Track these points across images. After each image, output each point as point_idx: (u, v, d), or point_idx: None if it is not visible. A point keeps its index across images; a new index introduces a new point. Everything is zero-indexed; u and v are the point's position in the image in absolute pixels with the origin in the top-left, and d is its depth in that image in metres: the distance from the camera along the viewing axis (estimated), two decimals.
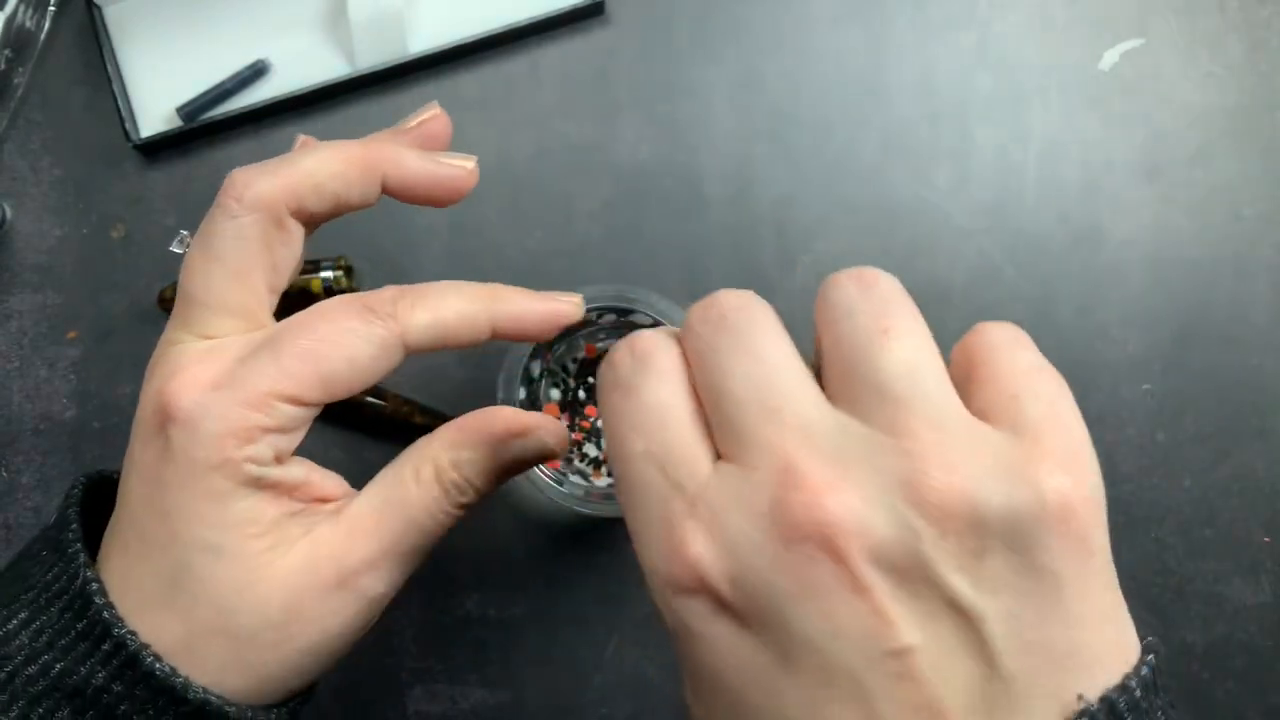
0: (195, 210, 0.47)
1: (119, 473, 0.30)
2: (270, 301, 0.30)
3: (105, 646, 0.26)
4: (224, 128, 0.47)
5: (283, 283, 0.30)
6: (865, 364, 0.23)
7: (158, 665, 0.26)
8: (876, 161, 0.48)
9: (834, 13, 0.48)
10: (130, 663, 0.26)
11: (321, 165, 0.29)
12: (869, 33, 0.48)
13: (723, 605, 0.22)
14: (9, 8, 0.46)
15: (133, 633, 0.26)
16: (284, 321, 0.28)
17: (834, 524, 0.20)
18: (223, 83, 0.47)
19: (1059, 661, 0.20)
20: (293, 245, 0.30)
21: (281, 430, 0.27)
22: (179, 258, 0.47)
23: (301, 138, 0.31)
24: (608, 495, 0.40)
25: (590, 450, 0.43)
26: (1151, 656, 0.21)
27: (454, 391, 0.46)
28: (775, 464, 0.21)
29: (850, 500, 0.21)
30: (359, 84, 0.47)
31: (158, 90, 0.47)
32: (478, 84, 0.48)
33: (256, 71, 0.47)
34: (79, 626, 0.26)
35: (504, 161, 0.47)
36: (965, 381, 0.24)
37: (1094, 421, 0.49)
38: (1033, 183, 0.48)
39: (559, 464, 0.41)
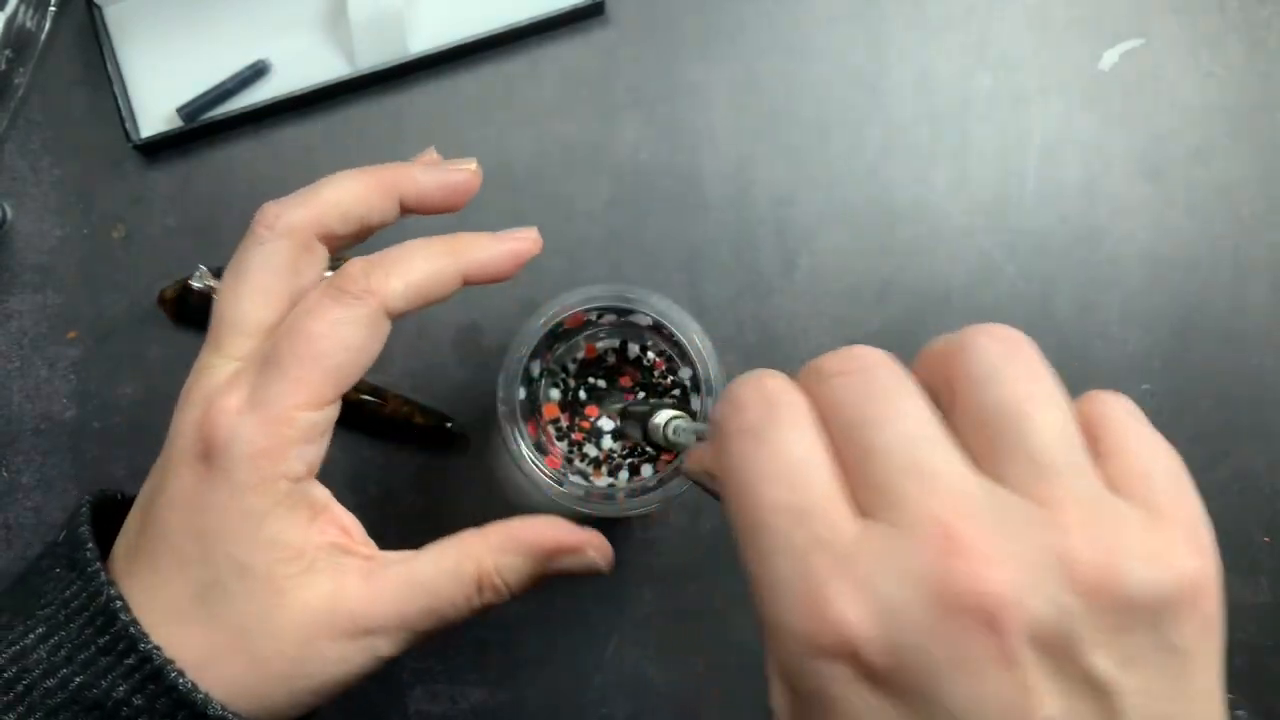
0: (196, 210, 0.47)
1: (122, 493, 0.32)
2: None
3: (129, 660, 0.27)
4: (224, 128, 0.47)
5: None
6: (1014, 432, 0.23)
7: (180, 679, 0.27)
8: (876, 161, 0.48)
9: (833, 13, 0.48)
10: (154, 676, 0.27)
11: (345, 192, 0.31)
12: (868, 33, 0.48)
13: (868, 671, 0.21)
14: (9, 8, 0.46)
15: (158, 647, 0.27)
16: (278, 333, 0.29)
17: (996, 595, 0.20)
18: (223, 83, 0.47)
19: None
20: (318, 268, 0.32)
21: (307, 440, 0.29)
22: (179, 258, 0.47)
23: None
24: (608, 495, 0.40)
25: (590, 450, 0.43)
26: None
27: (454, 391, 0.46)
28: (933, 529, 0.21)
29: (1010, 573, 0.20)
30: (359, 84, 0.47)
31: (158, 90, 0.47)
32: (478, 84, 0.48)
33: (257, 72, 0.47)
34: (100, 641, 0.27)
35: (504, 161, 0.48)
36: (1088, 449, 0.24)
37: None
38: (1032, 182, 0.48)
39: (559, 463, 0.41)
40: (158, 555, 0.29)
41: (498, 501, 0.46)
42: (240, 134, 0.47)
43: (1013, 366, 0.25)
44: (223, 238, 0.47)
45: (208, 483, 0.28)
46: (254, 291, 0.30)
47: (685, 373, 0.42)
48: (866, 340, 0.48)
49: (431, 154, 0.35)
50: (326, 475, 0.30)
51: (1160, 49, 0.48)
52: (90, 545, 0.29)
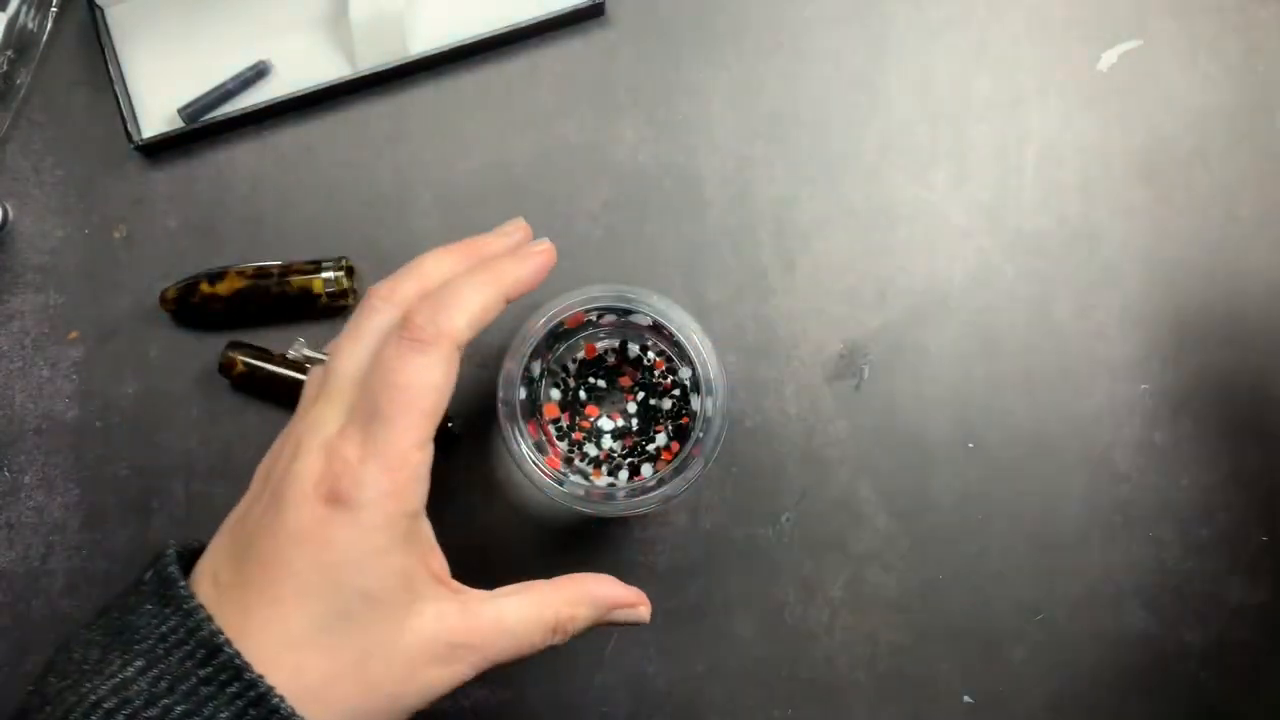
0: (197, 210, 0.47)
1: (200, 542, 0.35)
2: None
3: (231, 689, 0.30)
4: (225, 128, 0.47)
5: None
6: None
7: (282, 704, 0.30)
8: (875, 162, 0.48)
9: (833, 14, 0.48)
10: (256, 702, 0.29)
11: (476, 299, 0.34)
12: (868, 34, 0.48)
13: None
14: (11, 9, 0.47)
15: (261, 675, 0.30)
16: (369, 385, 0.33)
17: None
18: (224, 84, 0.47)
19: None
20: None
21: (421, 479, 0.32)
22: (180, 258, 0.47)
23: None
24: (608, 495, 0.40)
25: (590, 450, 0.43)
26: None
27: (455, 391, 0.46)
28: None
29: None
30: (360, 85, 0.47)
31: (159, 91, 0.48)
32: (478, 85, 0.48)
33: (258, 72, 0.47)
34: (202, 672, 0.30)
35: (504, 162, 0.48)
36: None
37: (1092, 421, 0.50)
38: (1031, 183, 0.48)
39: (559, 463, 0.41)
40: (276, 588, 0.31)
41: (498, 501, 0.46)
42: (241, 134, 0.48)
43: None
44: (223, 238, 0.47)
45: (335, 522, 0.31)
46: (365, 351, 0.34)
47: (685, 372, 0.42)
48: (866, 340, 0.48)
49: (520, 223, 0.38)
50: None
51: (1159, 50, 0.49)
52: (184, 583, 0.31)
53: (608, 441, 0.43)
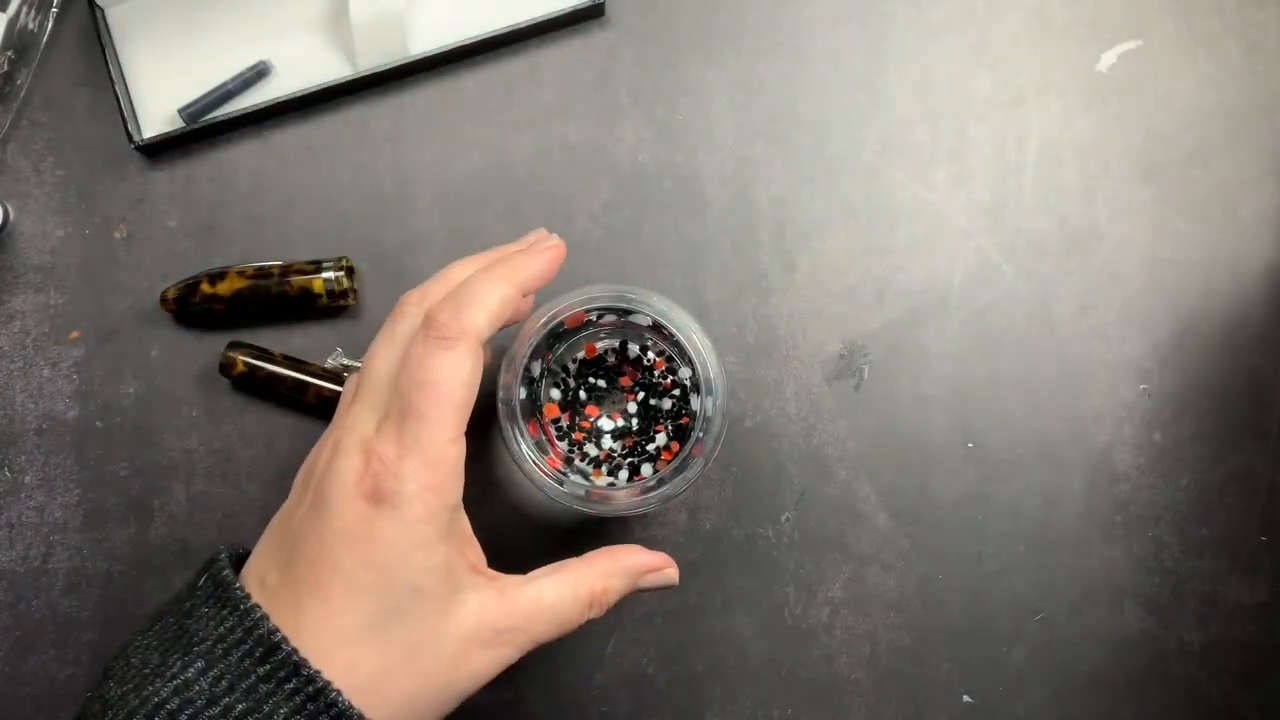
0: (197, 211, 0.47)
1: (245, 548, 0.36)
2: None
3: (290, 685, 0.31)
4: (226, 129, 0.47)
5: None
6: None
7: (340, 698, 0.31)
8: (875, 162, 0.48)
9: (833, 13, 0.48)
10: (314, 697, 0.31)
11: (495, 298, 0.35)
12: (868, 34, 0.48)
13: None
14: (11, 9, 0.47)
15: (319, 671, 0.31)
16: (400, 385, 0.34)
17: None
18: (225, 84, 0.47)
19: None
20: None
21: (458, 473, 0.33)
22: (181, 258, 0.47)
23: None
24: (608, 495, 0.40)
25: (590, 450, 0.43)
26: None
27: None
28: None
29: None
30: (360, 85, 0.47)
31: (160, 91, 0.48)
32: (478, 85, 0.48)
33: (258, 73, 0.47)
34: (261, 670, 0.31)
35: (504, 162, 0.48)
36: None
37: (1091, 421, 0.50)
38: (1031, 183, 0.48)
39: (559, 463, 0.41)
40: (326, 587, 0.32)
41: (497, 501, 0.46)
42: (242, 135, 0.48)
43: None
44: (223, 238, 0.47)
45: (379, 519, 0.32)
46: (398, 353, 0.35)
47: (685, 372, 0.42)
48: (866, 340, 0.48)
49: (542, 233, 0.39)
50: None
51: (1158, 50, 0.49)
52: (239, 586, 0.33)
53: (608, 441, 0.43)
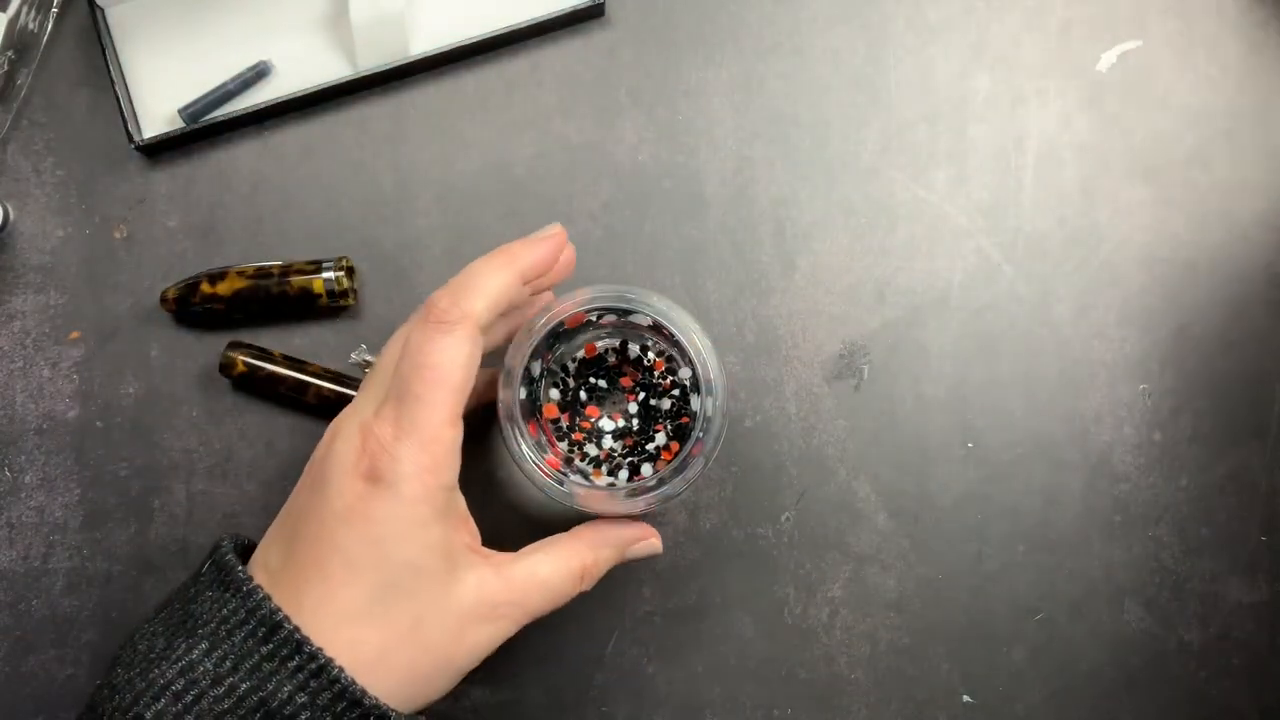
0: (197, 211, 0.47)
1: (250, 539, 0.37)
2: None
3: (293, 662, 0.31)
4: (226, 129, 0.47)
5: None
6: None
7: (342, 674, 0.31)
8: (875, 162, 0.48)
9: (833, 13, 0.49)
10: (317, 673, 0.31)
11: (497, 284, 0.36)
12: (867, 34, 0.48)
13: None
14: (11, 9, 0.47)
15: (320, 648, 0.31)
16: (399, 369, 0.34)
17: None
18: (225, 84, 0.47)
19: None
20: None
21: (454, 454, 0.34)
22: (181, 258, 0.47)
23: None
24: (609, 495, 0.40)
25: (591, 450, 0.43)
26: None
27: None
28: None
29: None
30: (360, 85, 0.47)
31: (160, 91, 0.48)
32: (478, 85, 0.48)
33: (258, 73, 0.47)
34: (264, 649, 0.31)
35: (504, 162, 0.48)
36: None
37: (1091, 421, 0.50)
38: (1030, 183, 0.48)
39: (560, 463, 0.41)
40: (326, 565, 0.33)
41: (497, 502, 0.46)
42: (242, 135, 0.48)
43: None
44: (223, 238, 0.47)
45: (376, 498, 0.33)
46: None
47: (685, 373, 0.42)
48: (866, 340, 0.48)
49: (557, 227, 0.39)
50: None
51: (1158, 50, 0.49)
52: (242, 569, 0.33)
53: (608, 441, 0.43)
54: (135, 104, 0.47)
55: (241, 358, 0.45)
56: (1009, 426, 0.47)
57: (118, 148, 0.47)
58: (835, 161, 0.48)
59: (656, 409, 0.43)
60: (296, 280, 0.45)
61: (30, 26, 0.47)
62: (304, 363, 0.46)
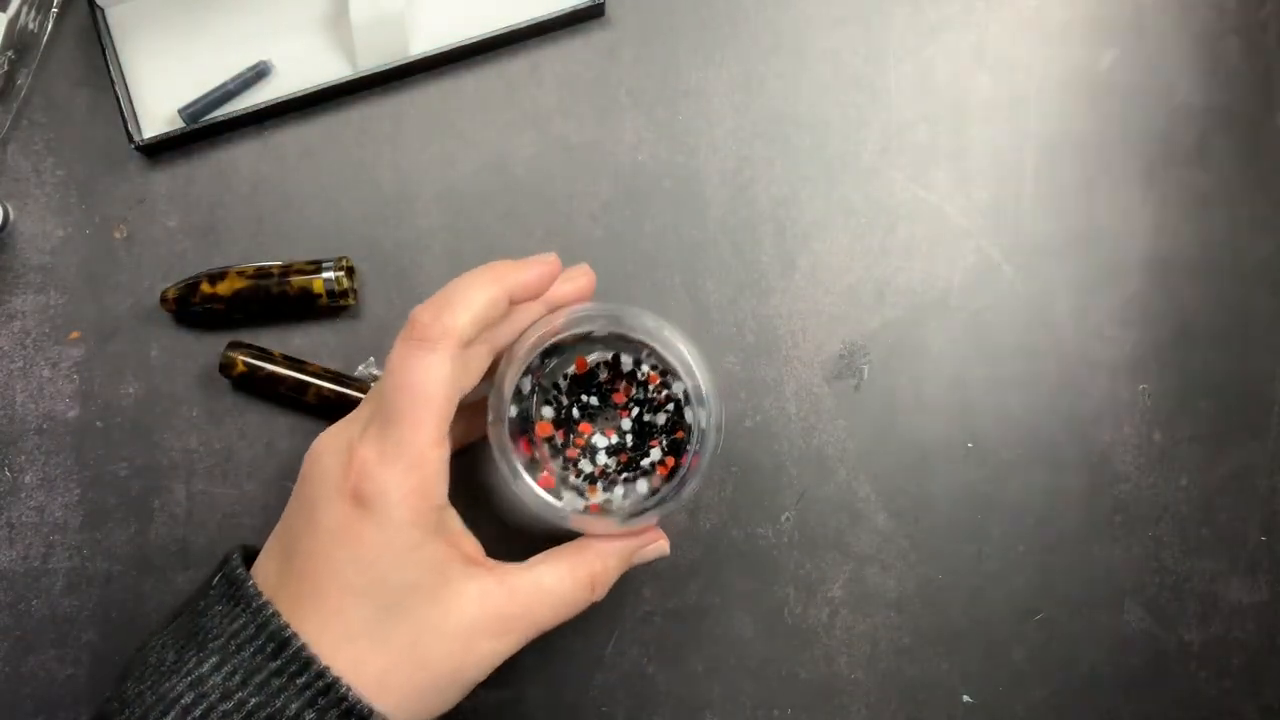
0: (197, 211, 0.47)
1: (255, 548, 0.36)
2: None
3: (301, 680, 0.31)
4: (226, 129, 0.47)
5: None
6: None
7: (350, 692, 0.31)
8: (875, 162, 0.48)
9: (833, 14, 0.49)
10: (325, 691, 0.31)
11: (480, 298, 0.35)
12: (868, 34, 0.48)
13: None
14: (11, 9, 0.47)
15: (329, 666, 0.32)
16: (383, 388, 0.34)
17: None
18: (225, 84, 0.47)
19: None
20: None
21: (441, 474, 0.33)
22: (181, 258, 0.47)
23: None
24: (603, 512, 0.39)
25: (585, 466, 0.41)
26: None
27: None
28: None
29: None
30: (360, 85, 0.47)
31: (160, 91, 0.48)
32: (478, 85, 0.48)
33: (259, 73, 0.47)
34: (273, 665, 0.31)
35: (504, 162, 0.48)
36: None
37: (1091, 421, 0.50)
38: (1031, 183, 0.48)
39: (554, 481, 0.40)
40: (323, 587, 0.33)
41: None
42: (242, 135, 0.48)
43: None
44: (223, 238, 0.47)
45: (367, 521, 0.32)
46: None
47: (680, 386, 0.41)
48: (866, 340, 0.48)
49: (552, 256, 0.38)
50: None
51: (1158, 50, 0.49)
52: (252, 583, 0.33)
53: (602, 458, 0.41)
54: (135, 104, 0.47)
55: (241, 358, 0.45)
56: (1009, 426, 0.47)
57: (118, 148, 0.47)
58: (835, 161, 0.48)
59: (651, 424, 0.41)
60: (296, 280, 0.45)
61: (30, 26, 0.47)
62: (304, 363, 0.46)
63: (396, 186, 0.48)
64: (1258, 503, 0.47)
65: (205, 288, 0.45)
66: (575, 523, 0.38)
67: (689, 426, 0.40)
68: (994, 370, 0.47)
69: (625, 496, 0.41)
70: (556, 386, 0.42)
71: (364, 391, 0.45)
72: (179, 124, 0.47)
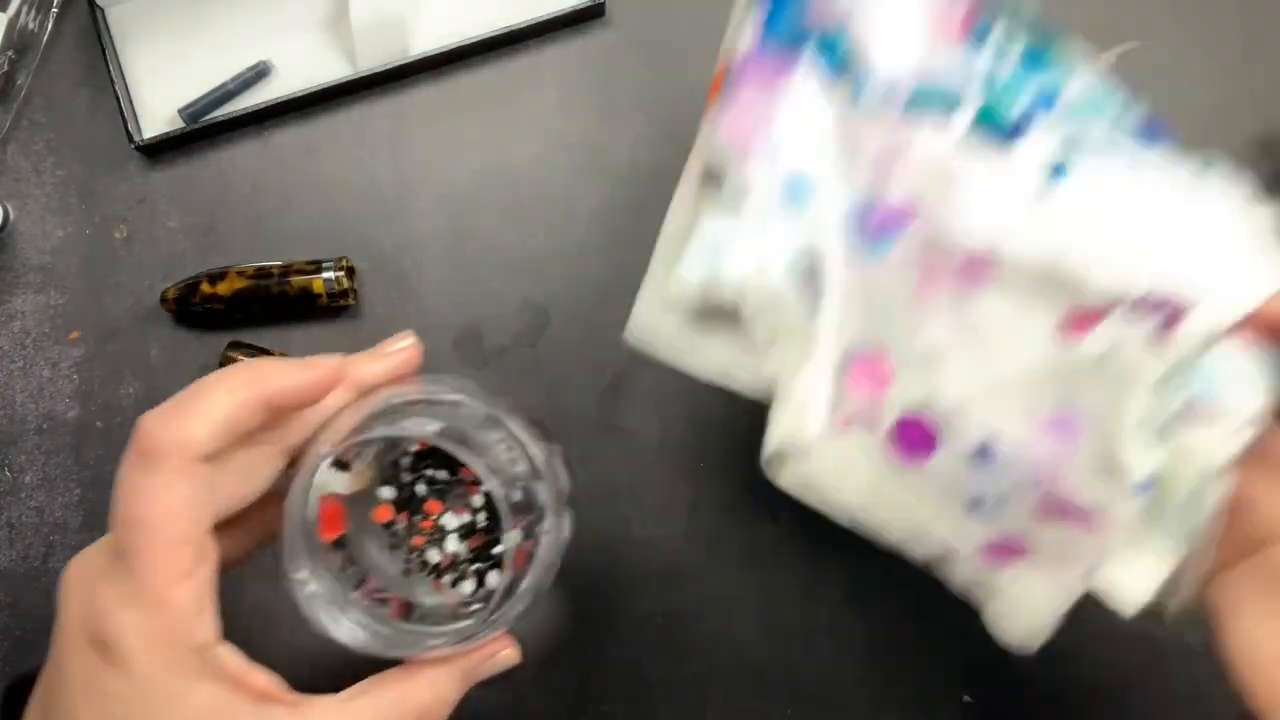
0: (197, 210, 0.47)
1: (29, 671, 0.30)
2: None
3: None
4: (226, 129, 0.47)
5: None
6: None
7: None
8: None
9: None
10: None
11: (244, 411, 0.29)
12: None
13: None
14: (12, 9, 0.47)
15: None
16: (114, 519, 0.28)
17: None
18: (225, 84, 0.47)
19: None
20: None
21: (197, 611, 0.27)
22: (181, 258, 0.47)
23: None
24: (442, 644, 0.31)
25: (433, 556, 0.34)
26: None
27: None
28: None
29: None
30: (361, 85, 0.47)
31: (160, 91, 0.48)
32: (478, 85, 0.48)
33: (258, 73, 0.47)
34: None
35: (504, 162, 0.48)
36: None
37: None
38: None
39: (372, 596, 0.33)
40: None
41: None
42: (242, 135, 0.48)
43: None
44: (223, 238, 0.47)
45: (108, 674, 0.27)
46: None
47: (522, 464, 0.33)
48: None
49: (408, 334, 0.33)
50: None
51: (1159, 50, 0.48)
52: None
53: (452, 544, 0.34)
54: (135, 104, 0.47)
55: (241, 358, 0.45)
56: None
57: (118, 148, 0.47)
58: None
59: (508, 498, 0.32)
60: (296, 280, 0.45)
61: (30, 26, 0.47)
62: None
63: (396, 186, 0.48)
64: None
65: (205, 288, 0.45)
66: (396, 653, 0.31)
67: (540, 505, 0.32)
68: None
69: (475, 592, 0.34)
70: (396, 464, 0.34)
71: None
72: (179, 124, 0.47)
